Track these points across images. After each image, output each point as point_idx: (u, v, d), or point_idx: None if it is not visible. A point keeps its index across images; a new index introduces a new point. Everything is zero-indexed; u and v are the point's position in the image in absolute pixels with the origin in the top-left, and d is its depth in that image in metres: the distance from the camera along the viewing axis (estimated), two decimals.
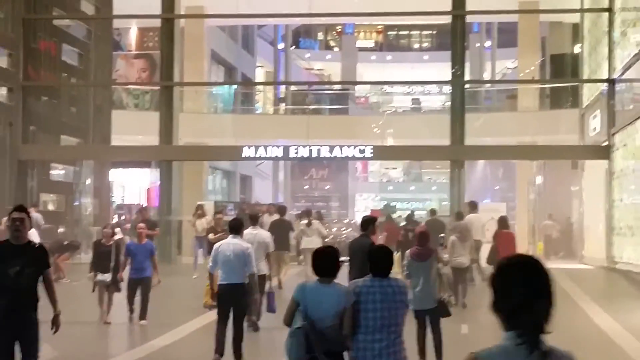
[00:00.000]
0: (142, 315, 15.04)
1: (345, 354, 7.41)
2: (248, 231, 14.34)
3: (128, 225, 21.30)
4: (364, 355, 7.15)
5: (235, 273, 11.85)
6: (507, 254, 13.94)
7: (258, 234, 14.83)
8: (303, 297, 7.36)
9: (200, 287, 17.96)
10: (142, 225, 16.56)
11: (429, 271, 11.97)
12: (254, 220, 15.79)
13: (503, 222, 20.44)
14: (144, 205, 29.34)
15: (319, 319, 7.26)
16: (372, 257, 7.46)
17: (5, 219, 21.49)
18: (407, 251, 12.47)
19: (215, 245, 12.75)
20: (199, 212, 25.54)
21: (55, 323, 8.16)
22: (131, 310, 15.05)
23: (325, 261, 7.51)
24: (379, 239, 22.49)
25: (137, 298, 15.16)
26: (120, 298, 15.48)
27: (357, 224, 28.81)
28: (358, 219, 28.91)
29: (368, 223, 12.94)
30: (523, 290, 3.33)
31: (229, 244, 12.39)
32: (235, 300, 11.68)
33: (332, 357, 7.33)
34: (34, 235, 16.28)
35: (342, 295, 7.30)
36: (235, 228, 12.80)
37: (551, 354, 3.41)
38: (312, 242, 22.14)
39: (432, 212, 26.24)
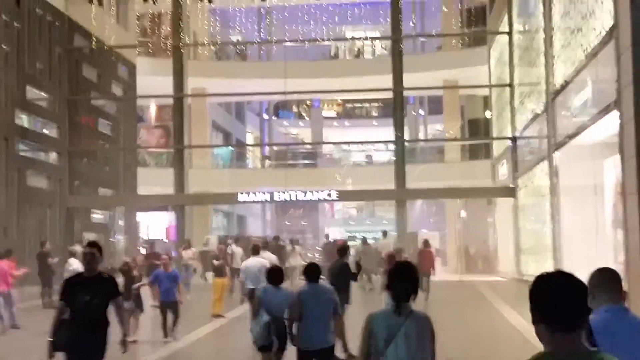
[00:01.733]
0: (175, 334, 14.07)
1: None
2: (261, 254, 15.33)
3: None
4: (309, 335, 7.81)
5: (259, 281, 12.60)
6: (427, 266, 14.33)
7: (267, 255, 15.86)
8: (265, 296, 8.60)
9: (205, 303, 17.81)
10: (165, 257, 15.70)
11: None
12: (264, 246, 17.46)
13: (426, 243, 22.21)
14: (153, 241, 29.02)
15: (275, 310, 8.34)
16: (307, 270, 8.30)
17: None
18: (382, 269, 12.66)
19: (243, 263, 14.58)
20: (185, 245, 25.46)
21: (124, 345, 7.49)
22: (164, 330, 14.01)
23: (276, 275, 8.85)
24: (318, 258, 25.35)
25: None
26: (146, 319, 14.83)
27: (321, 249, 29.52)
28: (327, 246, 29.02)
29: (344, 250, 13.05)
30: (394, 277, 4.89)
31: (254, 260, 13.84)
32: None
33: (284, 339, 8.31)
34: (76, 264, 16.11)
35: (289, 295, 8.43)
36: (256, 250, 14.58)
37: (412, 314, 4.75)
38: (296, 262, 24.51)
39: (364, 240, 27.34)
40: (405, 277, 4.83)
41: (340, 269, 12.04)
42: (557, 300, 2.52)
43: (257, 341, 8.48)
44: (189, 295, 21.74)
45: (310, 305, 7.85)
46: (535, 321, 2.58)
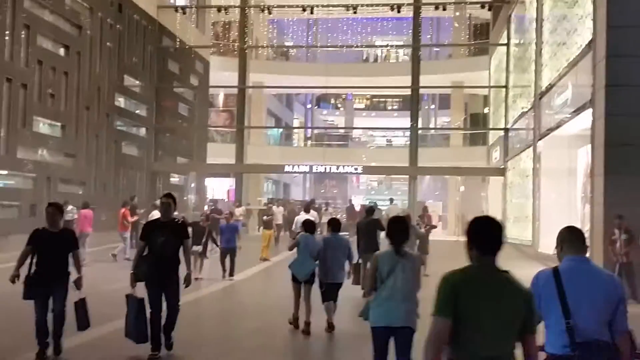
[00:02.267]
0: (231, 273, 13.64)
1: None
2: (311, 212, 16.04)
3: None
4: (328, 271, 8.26)
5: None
6: (428, 223, 13.61)
7: (313, 213, 16.57)
8: (303, 240, 8.52)
9: (253, 250, 17.80)
10: (227, 212, 15.09)
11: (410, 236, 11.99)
12: (312, 204, 19.09)
13: (425, 209, 23.07)
14: (216, 200, 29.19)
15: (310, 251, 8.37)
16: (330, 222, 8.71)
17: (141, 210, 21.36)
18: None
19: (297, 218, 14.50)
20: (237, 203, 25.59)
21: (187, 280, 7.04)
22: (224, 270, 13.59)
23: (309, 226, 8.80)
24: (344, 217, 24.90)
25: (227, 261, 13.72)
26: (210, 262, 14.38)
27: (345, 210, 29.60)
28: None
29: (372, 210, 12.94)
30: (392, 228, 5.02)
31: (304, 216, 13.73)
32: None
33: (313, 275, 8.43)
34: (157, 214, 16.30)
35: (319, 241, 8.50)
36: (307, 209, 15.36)
37: (406, 253, 5.07)
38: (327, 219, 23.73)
39: (375, 205, 26.89)
40: (400, 227, 5.14)
41: (367, 224, 12.08)
42: (486, 233, 2.98)
43: (295, 275, 8.50)
44: (240, 243, 21.71)
45: (331, 249, 8.26)
46: (469, 247, 3.02)
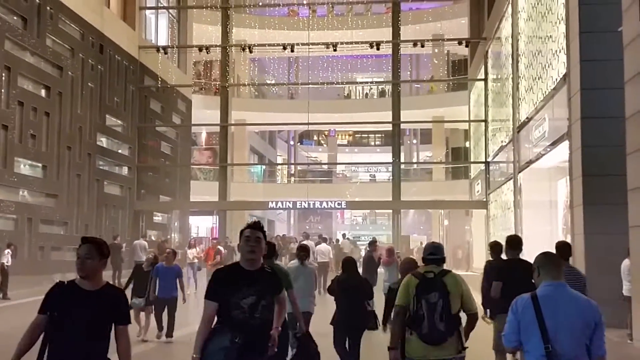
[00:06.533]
0: (169, 333, 10.42)
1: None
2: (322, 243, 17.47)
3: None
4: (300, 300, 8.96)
5: (327, 257, 13.09)
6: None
7: (325, 246, 17.96)
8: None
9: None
10: (170, 250, 11.48)
11: (395, 269, 12.09)
12: (323, 240, 20.00)
13: (372, 243, 22.83)
14: (163, 239, 26.85)
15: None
16: (298, 251, 8.48)
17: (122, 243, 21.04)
18: (381, 259, 12.65)
19: (317, 247, 15.74)
20: (191, 244, 23.12)
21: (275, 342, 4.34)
22: (160, 328, 10.49)
23: (271, 250, 9.13)
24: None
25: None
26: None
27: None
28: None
29: (372, 243, 13.06)
30: (301, 251, 7.67)
31: (324, 245, 14.23)
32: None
33: None
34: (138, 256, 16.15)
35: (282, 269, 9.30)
36: (324, 239, 16.81)
37: (307, 265, 7.54)
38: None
39: (337, 240, 28.41)
40: (305, 249, 8.26)
41: (369, 260, 12.26)
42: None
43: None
44: (188, 290, 14.91)
45: (300, 277, 7.97)
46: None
